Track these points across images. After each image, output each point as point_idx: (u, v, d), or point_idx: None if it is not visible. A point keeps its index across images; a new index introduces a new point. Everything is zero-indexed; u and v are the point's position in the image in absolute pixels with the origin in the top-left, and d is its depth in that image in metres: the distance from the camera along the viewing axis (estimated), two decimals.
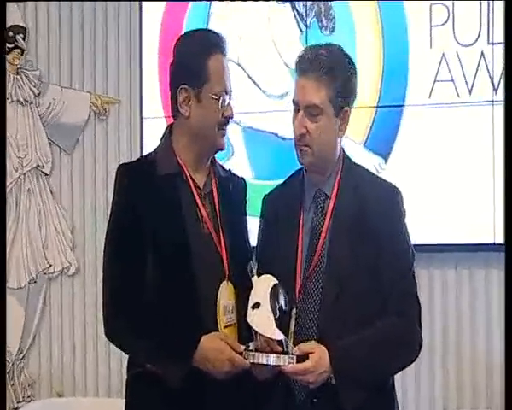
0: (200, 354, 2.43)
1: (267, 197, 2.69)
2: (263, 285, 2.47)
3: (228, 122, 2.58)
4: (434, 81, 3.91)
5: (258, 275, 2.52)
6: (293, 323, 2.48)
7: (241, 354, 2.41)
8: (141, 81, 4.27)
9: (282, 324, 2.46)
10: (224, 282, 2.53)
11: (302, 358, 2.40)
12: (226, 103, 2.55)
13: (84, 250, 4.45)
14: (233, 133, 4.09)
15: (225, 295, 2.53)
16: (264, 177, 4.03)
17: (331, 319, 2.48)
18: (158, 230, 2.48)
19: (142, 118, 4.26)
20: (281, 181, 2.74)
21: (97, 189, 4.40)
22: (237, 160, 4.12)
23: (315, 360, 2.39)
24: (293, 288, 2.50)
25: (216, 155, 2.66)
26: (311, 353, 2.41)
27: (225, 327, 2.51)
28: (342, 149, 2.61)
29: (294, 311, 2.50)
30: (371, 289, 2.50)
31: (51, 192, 4.48)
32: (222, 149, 2.63)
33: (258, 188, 3.81)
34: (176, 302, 2.47)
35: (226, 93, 2.54)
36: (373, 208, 2.51)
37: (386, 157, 3.97)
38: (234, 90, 2.59)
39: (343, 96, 2.53)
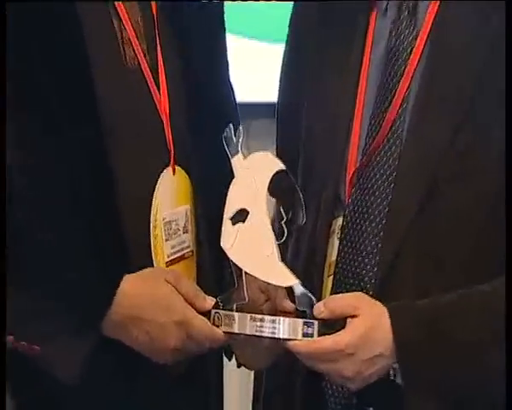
0: (121, 310, 1.25)
1: None
2: (255, 175, 1.24)
3: None
4: None
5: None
6: (335, 245, 1.31)
7: (207, 314, 1.25)
8: None
9: (294, 252, 1.34)
10: (168, 169, 1.34)
11: (332, 326, 1.20)
12: None
13: None
14: None
15: (170, 195, 1.34)
16: None
17: (404, 253, 1.25)
18: (35, 65, 1.25)
19: None
20: None
21: None
22: None
23: (357, 333, 1.19)
24: (339, 177, 1.33)
25: None
26: (353, 316, 1.19)
27: (171, 262, 1.34)
28: None
29: (340, 221, 1.30)
30: (495, 208, 1.22)
31: None
32: None
33: None
34: (73, 209, 1.26)
35: None
36: None
37: None
38: None
39: None
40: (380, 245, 1.26)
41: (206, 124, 1.37)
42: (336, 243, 1.31)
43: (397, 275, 1.24)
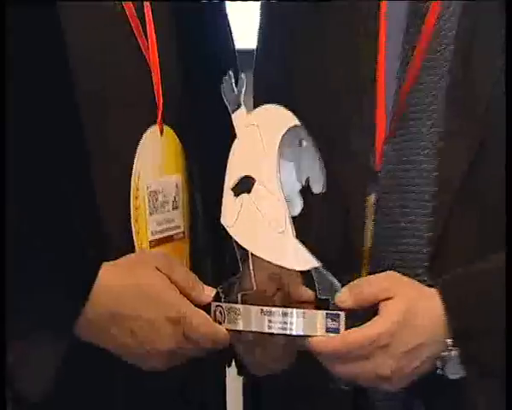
0: (98, 306, 1.03)
1: None
2: (262, 133, 1.01)
3: None
4: None
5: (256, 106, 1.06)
6: (370, 224, 1.07)
7: (206, 307, 1.05)
8: None
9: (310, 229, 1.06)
10: (154, 128, 1.11)
11: (362, 317, 1.00)
12: None
13: None
14: None
15: (156, 160, 1.12)
16: None
17: (461, 217, 1.04)
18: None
19: None
20: None
21: None
22: None
23: (392, 318, 0.99)
24: (367, 146, 1.10)
25: None
26: (386, 299, 0.99)
27: (156, 242, 1.11)
28: None
29: (373, 198, 1.08)
30: None
31: None
32: None
33: None
34: (37, 179, 1.03)
35: None
36: None
37: None
38: None
39: None
40: (430, 212, 1.04)
41: (202, 74, 1.14)
42: (370, 225, 1.08)
43: (453, 246, 1.04)
